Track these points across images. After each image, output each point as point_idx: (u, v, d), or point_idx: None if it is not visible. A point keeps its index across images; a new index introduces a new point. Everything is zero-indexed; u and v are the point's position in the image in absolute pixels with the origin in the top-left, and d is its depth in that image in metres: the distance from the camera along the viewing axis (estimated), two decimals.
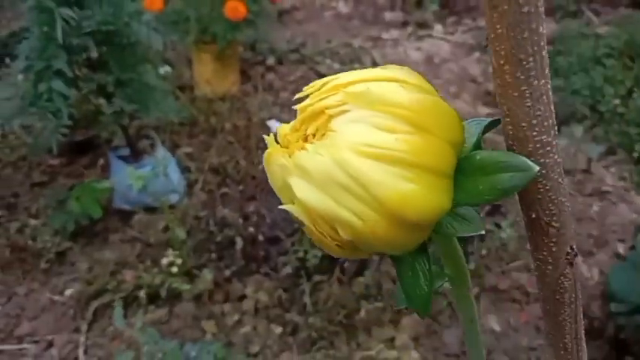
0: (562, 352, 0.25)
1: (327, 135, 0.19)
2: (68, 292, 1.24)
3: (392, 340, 1.15)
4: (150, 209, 1.38)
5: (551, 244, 0.23)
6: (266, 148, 0.21)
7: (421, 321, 1.16)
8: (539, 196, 0.22)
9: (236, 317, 1.20)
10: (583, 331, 0.25)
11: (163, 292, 1.19)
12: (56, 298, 1.23)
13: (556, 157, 0.21)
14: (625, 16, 2.29)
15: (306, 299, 1.19)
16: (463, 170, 0.21)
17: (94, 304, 1.20)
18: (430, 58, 2.24)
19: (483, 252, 1.27)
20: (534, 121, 0.20)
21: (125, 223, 1.38)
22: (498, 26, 0.19)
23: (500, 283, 1.23)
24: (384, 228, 0.19)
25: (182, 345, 1.08)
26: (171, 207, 1.37)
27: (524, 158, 0.20)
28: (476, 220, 0.22)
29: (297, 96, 0.21)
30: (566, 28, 2.27)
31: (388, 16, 2.57)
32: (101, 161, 1.56)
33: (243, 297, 1.23)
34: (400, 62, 2.21)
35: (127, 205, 1.40)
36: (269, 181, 0.21)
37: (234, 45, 1.80)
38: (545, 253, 0.23)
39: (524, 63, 0.19)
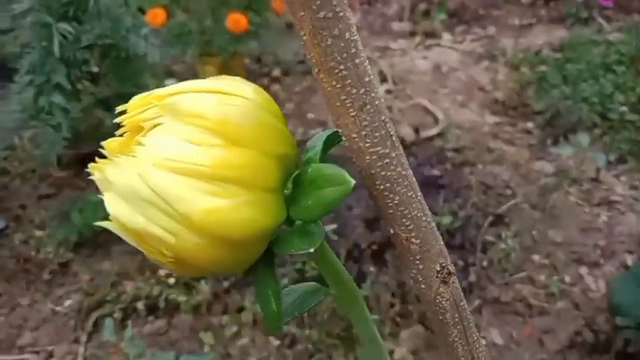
0: None
1: (135, 149, 0.19)
2: (69, 302, 1.25)
3: (391, 353, 1.13)
4: None
5: (417, 262, 0.21)
6: None
7: (421, 334, 1.14)
8: (391, 212, 0.20)
9: (234, 329, 1.19)
10: (483, 354, 0.23)
11: (162, 303, 1.19)
12: (58, 308, 1.25)
13: (399, 169, 0.20)
14: (637, 22, 2.25)
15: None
16: (300, 185, 0.20)
17: (94, 315, 1.21)
18: (438, 67, 2.23)
19: (485, 263, 1.24)
20: (363, 132, 0.19)
21: None
22: (302, 33, 0.18)
23: (502, 295, 1.20)
24: (199, 245, 0.18)
25: (178, 356, 1.08)
26: None
27: (342, 171, 0.19)
28: (315, 235, 0.20)
29: (119, 108, 0.20)
30: (576, 35, 2.23)
31: (396, 26, 2.56)
32: None
33: (241, 309, 1.22)
34: (407, 71, 2.21)
35: None
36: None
37: (238, 57, 1.82)
38: (414, 271, 0.22)
39: (336, 71, 0.18)
